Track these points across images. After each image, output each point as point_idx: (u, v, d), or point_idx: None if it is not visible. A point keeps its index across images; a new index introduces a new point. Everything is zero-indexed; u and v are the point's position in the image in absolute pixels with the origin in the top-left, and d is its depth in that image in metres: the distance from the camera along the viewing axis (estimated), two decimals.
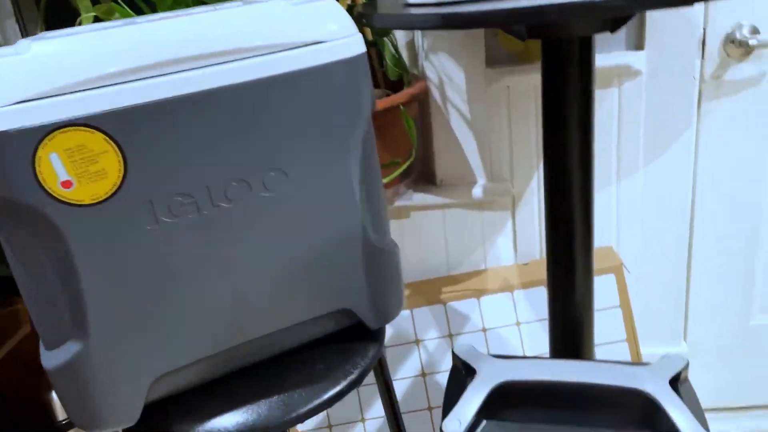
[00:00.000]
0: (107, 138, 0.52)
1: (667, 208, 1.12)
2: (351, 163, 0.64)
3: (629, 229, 1.14)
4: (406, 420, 1.11)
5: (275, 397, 0.65)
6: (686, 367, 0.63)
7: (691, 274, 1.17)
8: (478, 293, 1.11)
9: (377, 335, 0.74)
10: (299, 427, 1.12)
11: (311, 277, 0.65)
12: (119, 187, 0.54)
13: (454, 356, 0.68)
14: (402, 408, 1.12)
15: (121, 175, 0.54)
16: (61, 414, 1.20)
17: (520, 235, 1.14)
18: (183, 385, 0.65)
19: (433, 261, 1.16)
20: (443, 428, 0.60)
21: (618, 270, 1.09)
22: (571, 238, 0.91)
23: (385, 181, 0.99)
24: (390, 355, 1.12)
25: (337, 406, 1.12)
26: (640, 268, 1.17)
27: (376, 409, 1.12)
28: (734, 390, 1.24)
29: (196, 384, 0.66)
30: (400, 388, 1.12)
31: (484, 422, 0.61)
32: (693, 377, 1.23)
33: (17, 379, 1.12)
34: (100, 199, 0.53)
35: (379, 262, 0.70)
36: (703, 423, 0.57)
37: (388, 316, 0.73)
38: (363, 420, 1.12)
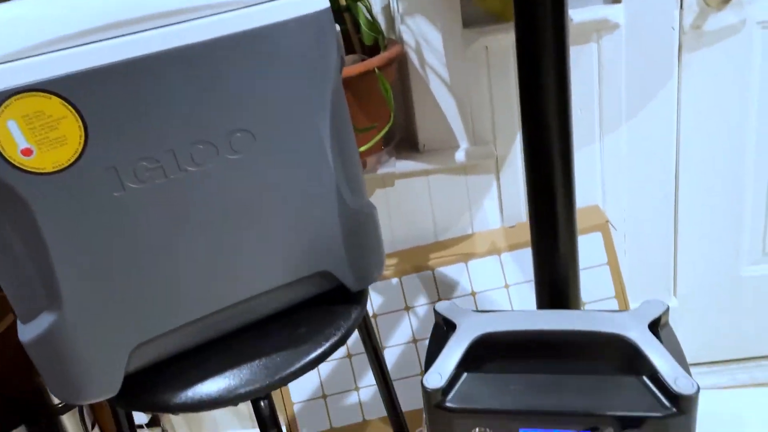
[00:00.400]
0: (65, 103, 0.51)
1: (652, 162, 1.12)
2: (321, 123, 0.64)
3: (614, 186, 1.14)
4: (399, 386, 1.11)
5: (258, 361, 0.65)
6: (666, 311, 0.63)
7: (679, 229, 1.17)
8: (466, 258, 1.11)
9: (359, 297, 0.74)
10: (293, 397, 1.12)
11: (287, 240, 0.65)
12: (81, 154, 0.53)
13: (436, 313, 0.68)
14: (394, 375, 1.12)
15: (82, 141, 0.53)
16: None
17: (506, 197, 1.14)
18: (164, 353, 0.65)
19: (419, 228, 1.16)
20: (424, 383, 0.60)
21: (604, 228, 1.09)
22: (552, 197, 0.90)
23: (366, 147, 0.98)
24: (380, 323, 1.12)
25: (331, 377, 1.12)
26: (627, 224, 1.16)
27: (370, 378, 1.12)
28: (726, 343, 1.25)
29: (177, 352, 0.66)
30: (391, 355, 1.12)
31: (465, 375, 0.61)
32: (684, 331, 1.24)
33: (10, 362, 1.12)
34: (63, 167, 0.53)
35: (356, 224, 0.69)
36: (684, 366, 0.57)
37: (369, 278, 0.73)
38: (357, 389, 1.13)
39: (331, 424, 1.13)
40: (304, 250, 0.66)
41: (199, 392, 0.63)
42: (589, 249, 1.09)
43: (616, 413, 0.55)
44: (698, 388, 0.54)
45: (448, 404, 0.58)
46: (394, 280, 1.12)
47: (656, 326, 0.61)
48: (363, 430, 1.13)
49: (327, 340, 0.67)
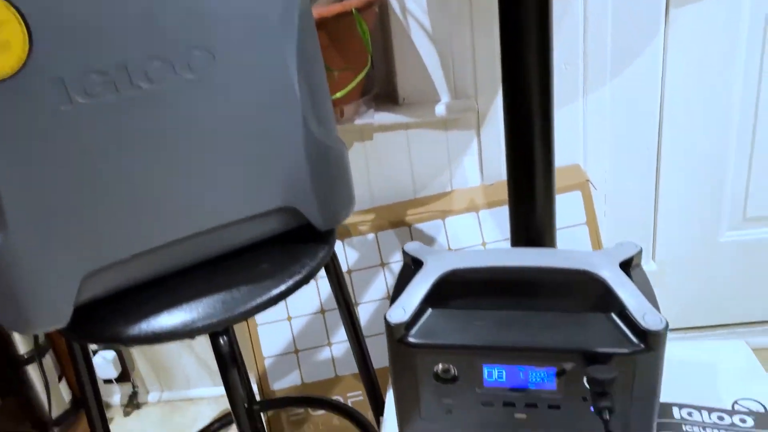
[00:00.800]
0: (8, 5, 0.48)
1: (635, 122, 1.10)
2: (287, 47, 0.61)
3: (597, 146, 1.12)
4: (372, 343, 1.10)
5: (217, 295, 0.63)
6: (639, 252, 0.61)
7: (660, 192, 1.15)
8: (443, 214, 1.09)
9: (327, 237, 0.72)
10: (264, 352, 1.10)
11: (249, 170, 0.62)
12: (26, 62, 0.50)
13: (404, 253, 0.66)
14: (368, 331, 1.11)
15: (27, 47, 0.50)
16: (22, 347, 1.18)
17: (486, 154, 1.11)
18: (118, 285, 0.62)
19: (398, 184, 1.14)
20: (386, 317, 0.58)
21: (584, 187, 1.07)
22: (530, 154, 0.88)
23: (342, 93, 0.95)
24: (355, 279, 1.10)
25: (303, 332, 1.10)
26: (608, 185, 1.15)
27: (343, 334, 1.11)
28: (703, 308, 1.24)
29: (134, 285, 0.64)
30: (365, 311, 1.11)
31: (429, 311, 0.59)
32: (661, 297, 1.23)
33: None
34: (6, 76, 0.50)
35: (323, 157, 0.67)
36: (654, 304, 0.55)
37: (337, 216, 0.71)
38: (329, 344, 1.11)
39: (302, 379, 1.11)
40: (266, 182, 0.64)
41: (154, 325, 0.61)
42: (567, 208, 1.07)
43: (582, 349, 0.53)
44: (666, 325, 0.52)
45: (410, 339, 0.57)
46: (370, 236, 1.10)
47: (628, 266, 0.59)
48: (334, 386, 1.12)
49: (290, 278, 0.65)
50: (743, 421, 0.62)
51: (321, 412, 1.12)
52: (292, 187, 0.65)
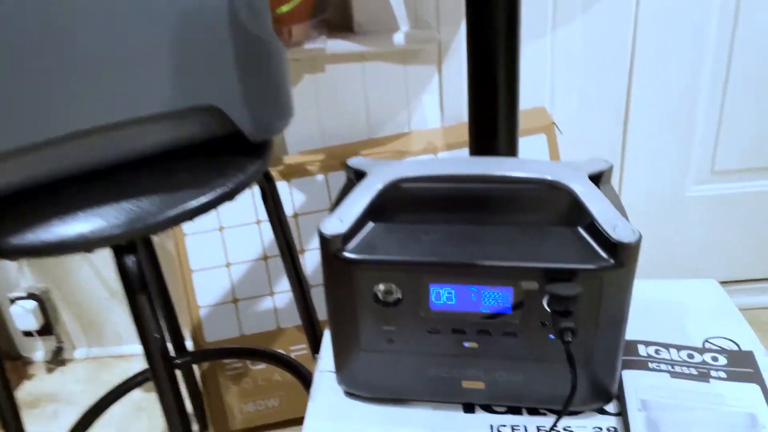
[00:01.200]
0: None
1: (605, 64, 1.03)
2: None
3: (564, 88, 1.05)
4: (320, 293, 1.01)
5: (122, 204, 0.54)
6: (610, 169, 0.54)
7: (627, 141, 1.10)
8: (400, 155, 1.01)
9: (260, 151, 0.63)
10: (199, 301, 1.01)
11: (164, 57, 0.53)
12: None
13: (347, 168, 0.57)
14: (314, 281, 1.02)
15: None
16: None
17: (447, 93, 1.03)
18: (9, 184, 0.52)
19: (352, 123, 1.05)
20: (320, 228, 0.49)
21: (549, 130, 1.00)
22: (494, 92, 0.82)
23: (289, 7, 0.86)
24: (302, 224, 1.01)
25: (243, 279, 1.01)
26: (574, 130, 1.08)
27: (287, 282, 1.02)
28: (668, 265, 1.20)
29: (24, 186, 0.53)
30: (313, 259, 1.02)
31: (371, 224, 0.51)
32: None
33: None
34: None
35: (255, 53, 0.57)
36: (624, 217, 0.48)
37: (270, 127, 0.62)
38: (272, 294, 1.03)
39: (241, 330, 1.03)
40: (186, 75, 0.54)
41: (44, 234, 0.51)
42: (531, 152, 1.00)
43: (543, 265, 0.46)
44: (640, 237, 0.45)
45: (347, 254, 0.48)
46: (319, 177, 1.01)
47: (597, 182, 0.53)
48: (276, 339, 1.03)
49: (210, 191, 0.56)
50: (715, 359, 0.56)
51: (261, 365, 1.04)
52: (217, 84, 0.56)
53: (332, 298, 0.52)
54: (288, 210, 1.00)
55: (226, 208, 0.99)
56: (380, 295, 0.50)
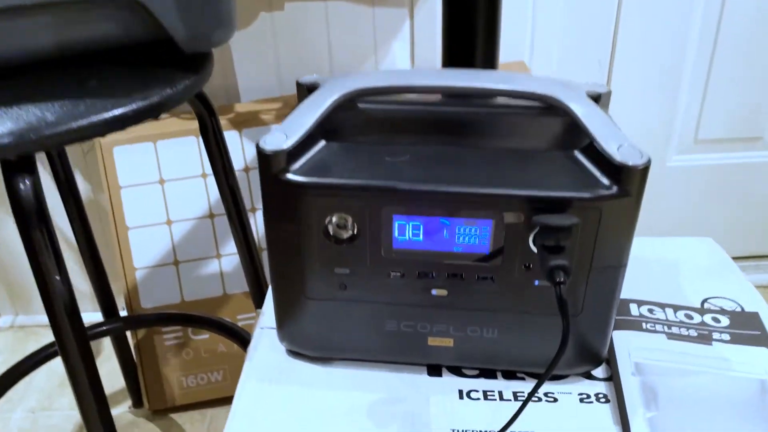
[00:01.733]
0: None
1: (589, 18, 0.96)
2: None
3: (545, 42, 0.97)
4: None
5: (11, 111, 0.43)
6: (608, 94, 0.46)
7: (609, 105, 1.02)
8: None
9: (195, 65, 0.53)
10: (136, 262, 0.90)
11: None
12: None
13: (298, 86, 0.48)
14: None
15: None
16: None
17: (419, 40, 0.94)
18: None
19: (313, 69, 0.95)
20: (259, 144, 0.40)
21: None
22: (471, 44, 0.74)
23: None
24: (253, 179, 0.91)
25: (186, 240, 0.91)
26: None
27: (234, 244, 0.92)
28: (643, 233, 1.14)
29: None
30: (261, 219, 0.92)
31: (322, 142, 0.42)
32: None
33: None
34: None
35: None
36: None
37: (207, 36, 0.52)
38: (218, 257, 0.92)
39: (182, 296, 0.92)
40: None
41: None
42: None
43: (530, 193, 0.37)
44: (649, 161, 0.37)
45: (291, 176, 0.39)
46: (275, 128, 0.90)
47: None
48: (222, 306, 0.93)
49: (128, 103, 0.46)
50: (716, 320, 0.49)
51: (204, 335, 0.94)
52: None
53: (272, 232, 0.42)
54: (239, 163, 0.90)
55: (167, 157, 0.88)
56: (332, 229, 0.41)
